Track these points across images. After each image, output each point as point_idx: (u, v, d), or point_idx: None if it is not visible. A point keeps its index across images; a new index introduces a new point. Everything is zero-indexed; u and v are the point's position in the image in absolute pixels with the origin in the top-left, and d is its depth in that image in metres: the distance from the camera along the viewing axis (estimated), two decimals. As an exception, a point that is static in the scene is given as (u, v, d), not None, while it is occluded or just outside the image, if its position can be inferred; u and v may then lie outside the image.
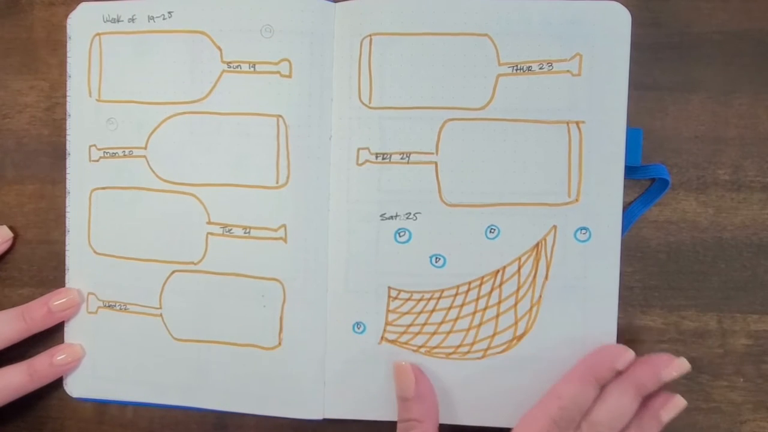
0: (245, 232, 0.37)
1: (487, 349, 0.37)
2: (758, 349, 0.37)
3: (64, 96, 0.40)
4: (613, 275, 0.36)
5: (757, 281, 0.37)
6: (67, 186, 0.40)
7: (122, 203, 0.39)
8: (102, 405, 0.41)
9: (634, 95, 0.36)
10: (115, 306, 0.39)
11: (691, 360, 0.37)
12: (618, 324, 0.36)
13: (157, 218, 0.38)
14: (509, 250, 0.36)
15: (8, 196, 0.41)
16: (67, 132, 0.40)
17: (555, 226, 0.36)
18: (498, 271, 0.36)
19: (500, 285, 0.36)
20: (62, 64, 0.40)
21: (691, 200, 0.37)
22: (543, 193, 0.36)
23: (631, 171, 0.36)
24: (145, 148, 0.39)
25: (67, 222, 0.40)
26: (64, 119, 0.40)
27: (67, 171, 0.40)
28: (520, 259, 0.36)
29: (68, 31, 0.40)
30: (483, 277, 0.37)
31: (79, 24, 0.39)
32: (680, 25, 0.37)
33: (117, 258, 0.39)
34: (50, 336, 0.40)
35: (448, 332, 0.37)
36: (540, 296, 0.36)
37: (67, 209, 0.40)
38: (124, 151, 0.39)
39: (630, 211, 0.37)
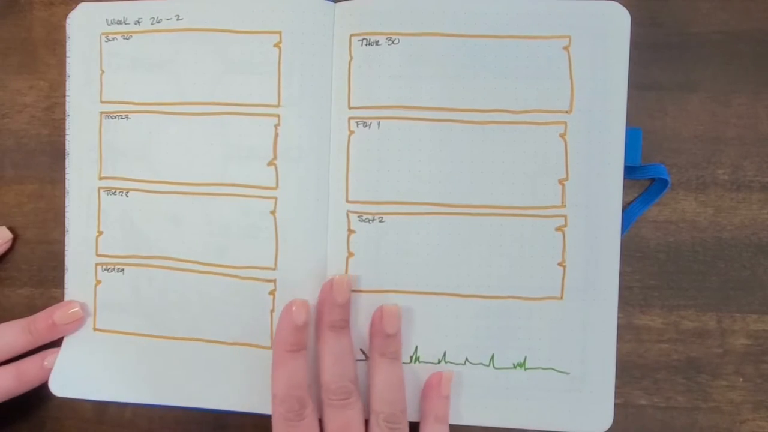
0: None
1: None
2: (758, 348, 0.37)
3: (64, 96, 0.40)
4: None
5: (756, 281, 0.37)
6: (67, 186, 0.40)
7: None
8: (102, 405, 0.41)
9: (633, 95, 0.36)
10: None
11: (690, 360, 0.37)
12: (618, 324, 0.36)
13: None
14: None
15: (7, 196, 0.41)
16: (67, 132, 0.40)
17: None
18: None
19: None
20: (61, 64, 0.40)
21: (691, 200, 0.37)
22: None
23: (630, 171, 0.36)
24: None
25: (66, 222, 0.40)
26: (64, 119, 0.40)
27: (67, 171, 0.40)
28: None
29: (67, 31, 0.40)
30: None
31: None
32: (680, 25, 0.37)
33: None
34: (49, 336, 0.40)
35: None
36: None
37: (66, 209, 0.40)
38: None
39: (629, 211, 0.37)
